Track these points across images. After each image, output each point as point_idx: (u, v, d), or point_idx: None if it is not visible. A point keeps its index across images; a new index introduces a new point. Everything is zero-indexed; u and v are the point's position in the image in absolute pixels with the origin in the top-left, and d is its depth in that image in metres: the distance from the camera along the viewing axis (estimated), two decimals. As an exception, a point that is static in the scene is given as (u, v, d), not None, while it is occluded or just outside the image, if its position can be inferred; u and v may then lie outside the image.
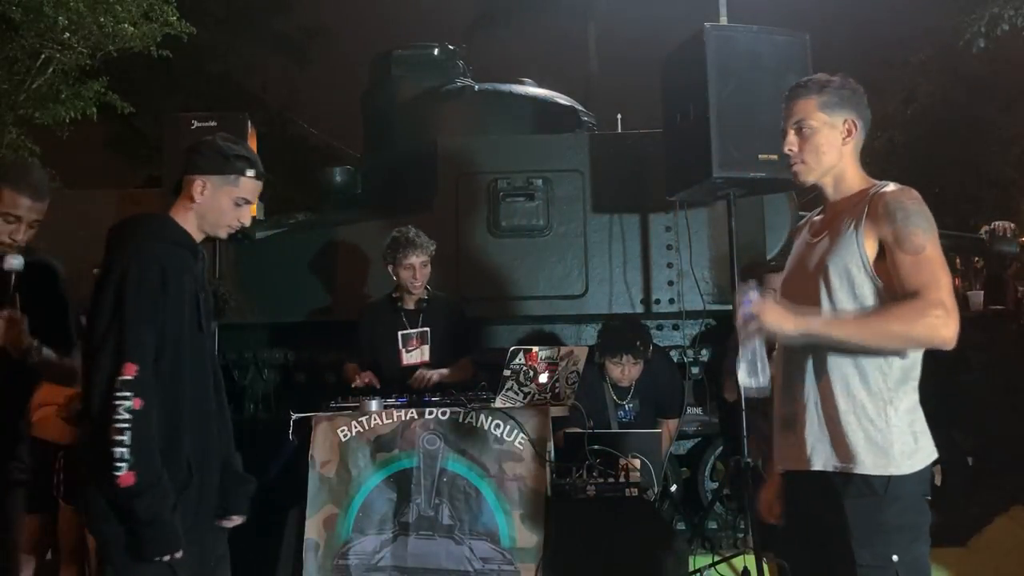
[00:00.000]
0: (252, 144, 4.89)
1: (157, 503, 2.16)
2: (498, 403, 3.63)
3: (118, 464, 2.11)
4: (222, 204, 2.43)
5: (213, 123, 4.81)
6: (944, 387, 5.35)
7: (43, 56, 10.36)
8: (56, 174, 12.03)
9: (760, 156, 4.01)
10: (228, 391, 5.09)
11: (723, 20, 5.17)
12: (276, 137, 16.78)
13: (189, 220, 2.42)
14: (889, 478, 2.12)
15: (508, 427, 3.56)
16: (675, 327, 5.10)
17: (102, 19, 9.90)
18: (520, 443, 3.54)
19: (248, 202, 2.48)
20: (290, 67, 20.16)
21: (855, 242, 2.18)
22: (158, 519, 2.16)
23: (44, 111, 10.65)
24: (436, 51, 6.02)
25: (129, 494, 2.13)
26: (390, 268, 4.26)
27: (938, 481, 5.40)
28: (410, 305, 4.29)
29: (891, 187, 2.24)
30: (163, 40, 10.71)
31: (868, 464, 2.13)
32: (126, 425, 2.12)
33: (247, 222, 2.51)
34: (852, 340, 2.13)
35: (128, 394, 2.14)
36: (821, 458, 2.19)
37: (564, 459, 3.72)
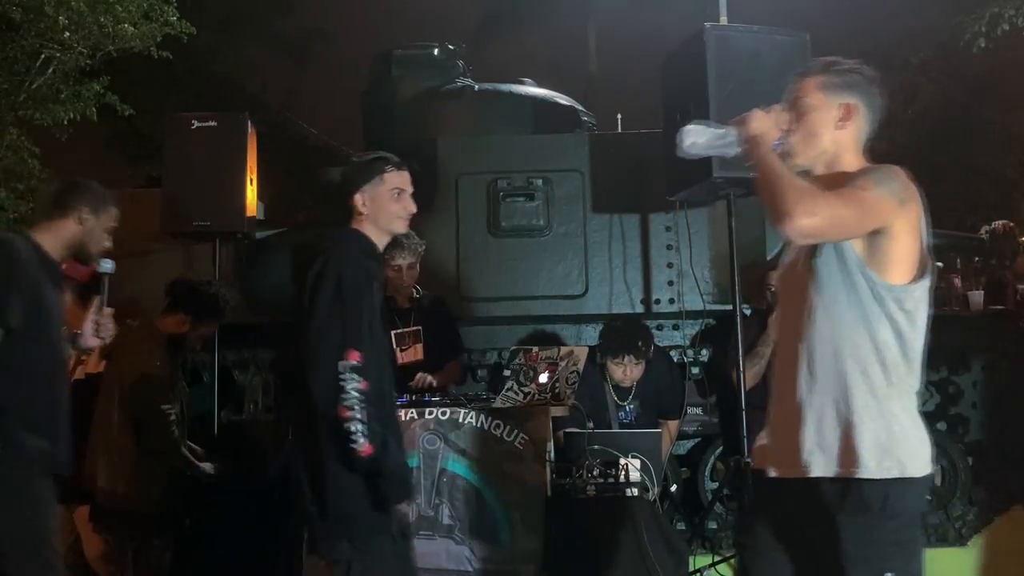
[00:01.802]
0: (252, 144, 4.89)
1: (391, 462, 2.54)
2: (498, 403, 3.64)
3: (356, 438, 2.45)
4: (384, 203, 2.78)
5: (213, 123, 4.81)
6: (944, 387, 5.38)
7: (43, 56, 10.35)
8: (56, 174, 12.06)
9: (760, 156, 4.00)
10: (228, 391, 5.13)
11: (723, 20, 5.18)
12: (276, 137, 16.76)
13: (371, 231, 2.79)
14: (891, 485, 2.00)
15: (508, 427, 3.56)
16: (675, 327, 5.10)
17: (102, 19, 9.90)
18: (520, 443, 3.54)
19: (403, 191, 2.82)
20: (290, 67, 20.17)
21: None
22: (397, 472, 2.59)
23: (44, 111, 10.64)
24: (436, 51, 6.01)
25: (372, 459, 2.47)
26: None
27: (938, 481, 5.43)
28: (403, 304, 4.30)
29: (879, 166, 2.13)
30: (163, 40, 10.71)
31: (872, 468, 2.00)
32: (358, 403, 2.47)
33: (413, 208, 2.84)
34: (759, 173, 2.10)
35: (356, 377, 2.48)
36: (820, 464, 2.05)
37: (564, 459, 3.73)
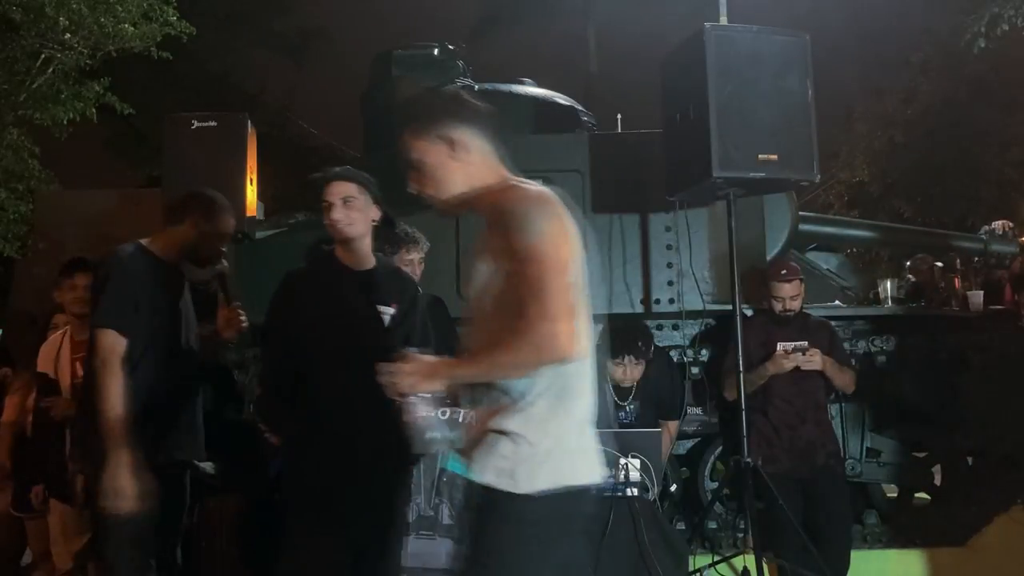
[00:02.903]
0: (252, 144, 4.89)
1: None
2: (498, 403, 3.63)
3: None
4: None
5: (213, 123, 4.81)
6: (944, 387, 5.37)
7: (43, 56, 10.35)
8: (56, 174, 12.07)
9: (760, 156, 4.01)
10: (228, 391, 5.12)
11: (723, 20, 5.16)
12: (276, 137, 16.77)
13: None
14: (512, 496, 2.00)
15: (508, 427, 3.56)
16: (675, 327, 5.10)
17: (102, 19, 9.90)
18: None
19: (330, 204, 3.03)
20: (290, 67, 20.17)
21: (488, 260, 2.06)
22: None
23: (44, 111, 10.64)
24: (436, 51, 6.01)
25: None
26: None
27: (938, 481, 5.44)
28: None
29: (510, 189, 2.10)
30: (163, 40, 10.71)
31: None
32: None
33: (336, 217, 3.02)
34: (478, 379, 2.07)
35: None
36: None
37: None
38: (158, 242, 3.18)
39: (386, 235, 4.22)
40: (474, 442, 2.13)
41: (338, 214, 3.03)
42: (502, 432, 2.04)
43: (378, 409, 2.98)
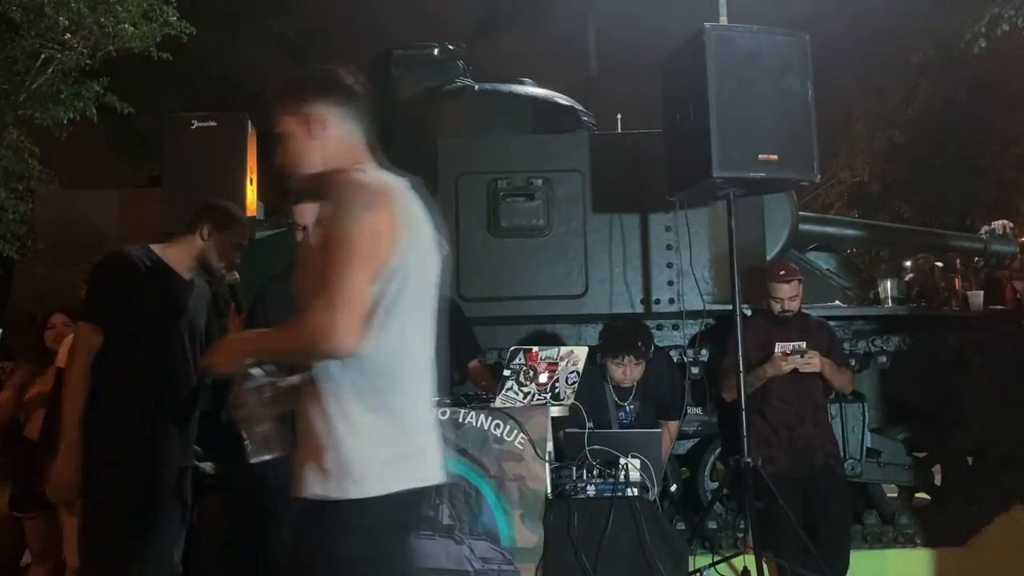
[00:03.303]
0: (252, 144, 4.90)
1: None
2: (498, 403, 3.63)
3: None
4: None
5: (213, 123, 4.81)
6: (944, 387, 5.37)
7: (43, 56, 10.36)
8: (56, 174, 12.07)
9: (760, 156, 4.01)
10: (228, 391, 5.11)
11: (723, 20, 5.18)
12: (276, 137, 16.75)
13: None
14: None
15: (508, 427, 3.56)
16: (675, 327, 5.10)
17: (102, 19, 9.91)
18: (520, 443, 3.54)
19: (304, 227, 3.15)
20: (290, 67, 20.14)
21: (316, 242, 2.01)
22: None
23: (44, 111, 10.65)
24: (436, 51, 6.01)
25: None
26: None
27: (938, 481, 5.44)
28: None
29: (345, 174, 2.03)
30: (163, 40, 10.72)
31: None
32: None
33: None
34: (263, 357, 2.03)
35: None
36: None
37: (564, 459, 3.72)
38: (170, 249, 3.19)
39: None
40: (297, 446, 2.03)
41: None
42: (324, 436, 1.96)
43: None
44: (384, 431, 1.97)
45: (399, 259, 1.96)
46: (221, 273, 3.26)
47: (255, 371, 2.05)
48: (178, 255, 3.18)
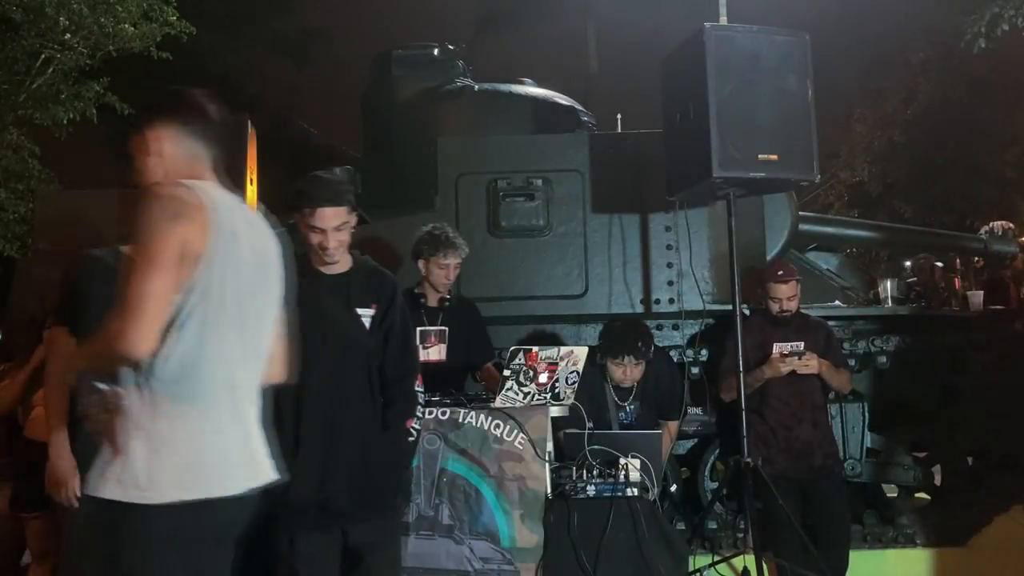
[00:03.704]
0: (252, 144, 4.89)
1: None
2: (498, 403, 3.63)
3: None
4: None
5: (213, 123, 4.80)
6: (944, 387, 5.37)
7: (43, 56, 10.36)
8: (56, 174, 12.07)
9: (760, 156, 4.01)
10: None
11: (723, 20, 5.16)
12: (276, 137, 16.77)
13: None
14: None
15: (508, 427, 3.57)
16: (675, 327, 5.10)
17: (102, 19, 9.90)
18: (520, 443, 3.54)
19: (322, 231, 3.00)
20: (290, 67, 20.17)
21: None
22: None
23: (44, 111, 10.65)
24: (436, 51, 6.01)
25: None
26: (421, 263, 4.24)
27: (938, 481, 5.44)
28: (432, 302, 4.29)
29: (153, 187, 2.10)
30: (163, 40, 10.72)
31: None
32: None
33: (332, 247, 3.01)
34: (86, 366, 2.08)
35: None
36: None
37: (564, 459, 3.72)
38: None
39: (426, 238, 4.23)
40: (96, 448, 2.05)
41: (331, 242, 3.00)
42: (116, 440, 1.99)
43: (363, 414, 3.00)
44: (177, 439, 1.99)
45: (207, 271, 2.02)
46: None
47: (99, 384, 2.06)
48: None
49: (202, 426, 2.02)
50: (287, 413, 2.91)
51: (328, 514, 2.93)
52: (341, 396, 3.00)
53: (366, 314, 3.08)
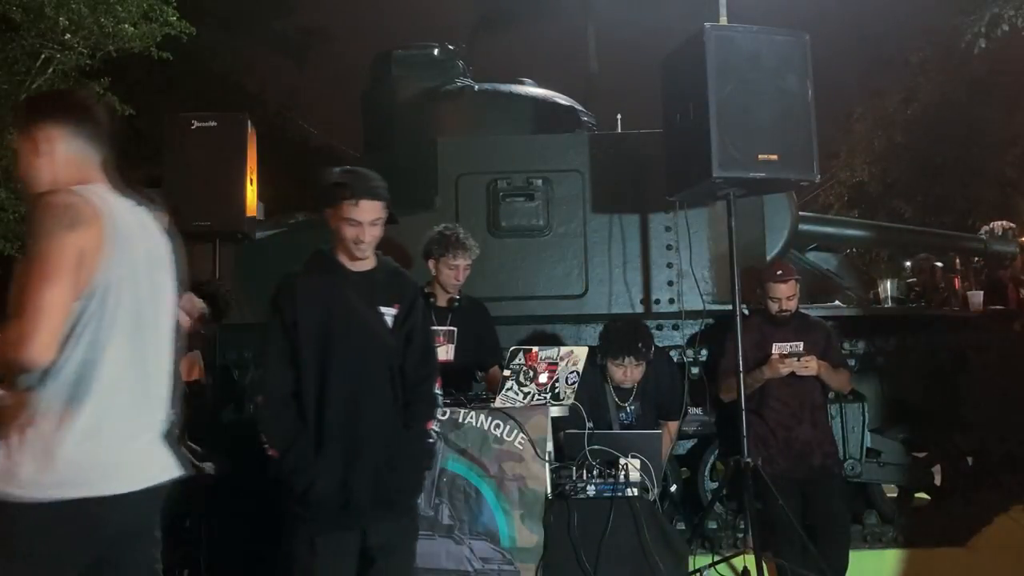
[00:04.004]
0: (252, 144, 4.89)
1: (287, 465, 2.97)
2: (498, 403, 3.63)
3: (266, 446, 2.93)
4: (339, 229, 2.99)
5: (213, 123, 4.81)
6: (944, 387, 5.37)
7: (43, 56, 10.36)
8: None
9: (760, 156, 4.01)
10: (228, 391, 5.12)
11: (723, 20, 5.17)
12: (276, 137, 16.78)
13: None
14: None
15: (508, 427, 3.56)
16: (675, 327, 5.10)
17: (102, 19, 9.90)
18: (520, 443, 3.54)
19: (358, 223, 2.96)
20: (290, 67, 20.18)
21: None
22: (295, 474, 2.96)
23: (44, 111, 10.64)
24: (436, 51, 6.01)
25: (275, 462, 2.95)
26: (431, 263, 4.24)
27: (938, 481, 5.44)
28: (441, 302, 4.28)
29: (46, 195, 2.09)
30: (163, 40, 10.71)
31: None
32: (259, 416, 2.97)
33: (366, 240, 2.98)
34: None
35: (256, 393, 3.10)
36: None
37: (564, 459, 3.72)
38: None
39: (437, 238, 4.22)
40: None
41: (368, 236, 2.97)
42: (8, 438, 2.03)
43: (385, 414, 2.97)
44: (63, 439, 2.02)
45: (104, 278, 2.06)
46: None
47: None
48: None
49: (89, 427, 2.05)
50: (308, 409, 2.91)
51: (350, 514, 2.90)
52: (363, 394, 2.95)
53: (388, 313, 3.04)
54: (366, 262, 3.09)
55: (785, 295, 4.39)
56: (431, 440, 3.20)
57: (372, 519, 2.94)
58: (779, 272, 4.44)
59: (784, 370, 4.29)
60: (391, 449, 2.96)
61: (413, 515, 3.18)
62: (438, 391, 3.21)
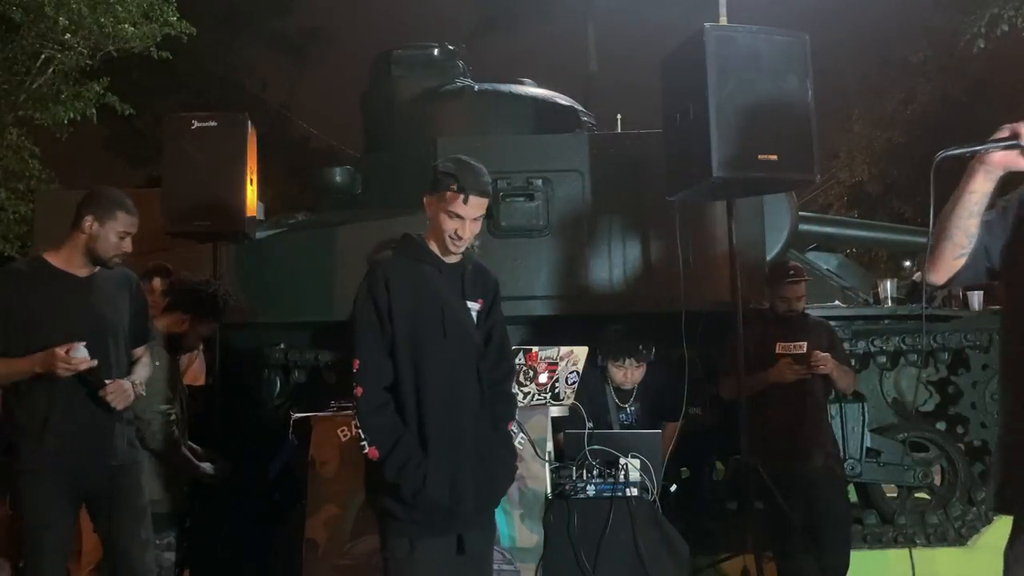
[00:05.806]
0: (252, 144, 4.89)
1: (394, 464, 2.71)
2: (498, 403, 3.62)
3: (363, 444, 2.70)
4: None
5: (213, 123, 4.80)
6: (944, 387, 5.37)
7: (43, 56, 10.37)
8: (56, 174, 12.08)
9: (760, 156, 4.00)
10: (228, 391, 5.10)
11: (723, 20, 5.18)
12: (276, 137, 16.79)
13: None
14: None
15: (508, 427, 3.56)
16: (675, 327, 5.09)
17: (102, 19, 9.91)
18: (520, 443, 3.54)
19: (461, 218, 2.81)
20: (290, 67, 20.19)
21: None
22: (405, 473, 2.70)
23: (44, 111, 10.66)
24: (436, 51, 6.01)
25: (379, 462, 2.69)
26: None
27: (938, 481, 5.43)
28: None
29: None
30: (163, 40, 10.72)
31: None
32: (359, 410, 2.74)
33: (466, 236, 2.82)
34: None
35: (355, 384, 2.75)
36: None
37: (564, 459, 3.72)
38: (60, 252, 3.24)
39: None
40: None
41: (467, 232, 2.81)
42: None
43: (478, 414, 2.82)
44: None
45: None
46: (115, 262, 3.27)
47: None
48: (68, 255, 3.22)
49: None
50: (408, 406, 2.75)
51: (454, 520, 2.75)
52: (460, 392, 2.81)
53: (474, 308, 2.92)
54: (457, 255, 2.94)
55: (796, 296, 4.38)
56: (518, 443, 3.13)
57: (470, 525, 2.80)
58: (792, 273, 4.42)
59: (791, 376, 4.25)
60: (486, 452, 2.83)
61: (495, 522, 3.06)
62: (515, 390, 3.15)
